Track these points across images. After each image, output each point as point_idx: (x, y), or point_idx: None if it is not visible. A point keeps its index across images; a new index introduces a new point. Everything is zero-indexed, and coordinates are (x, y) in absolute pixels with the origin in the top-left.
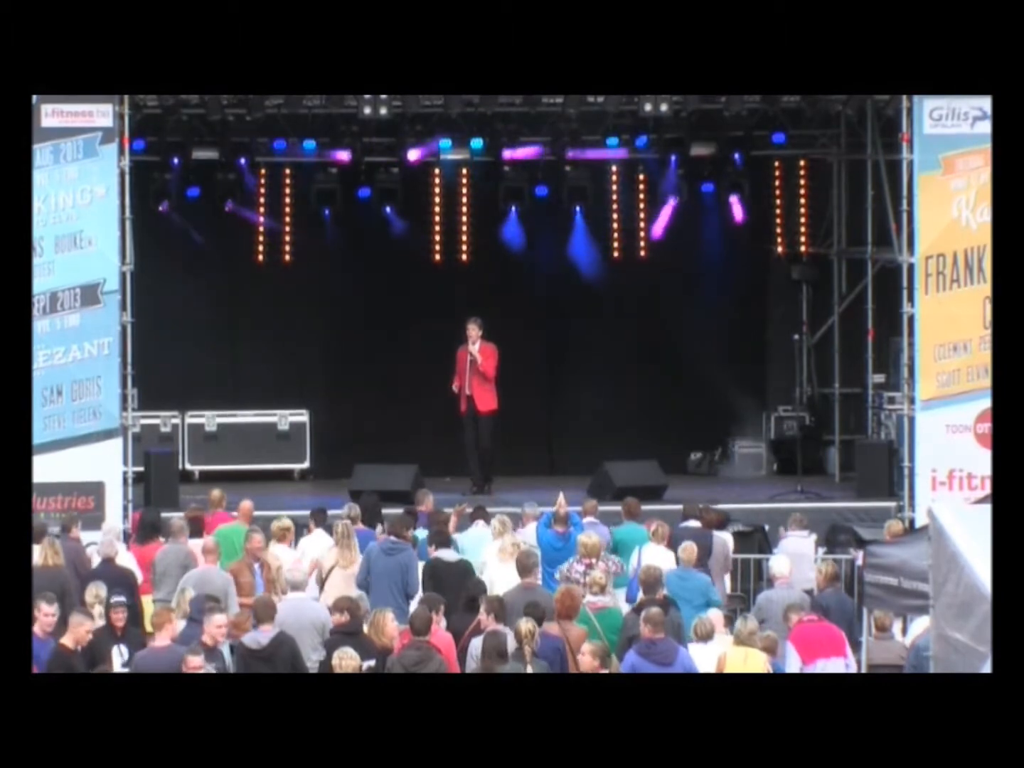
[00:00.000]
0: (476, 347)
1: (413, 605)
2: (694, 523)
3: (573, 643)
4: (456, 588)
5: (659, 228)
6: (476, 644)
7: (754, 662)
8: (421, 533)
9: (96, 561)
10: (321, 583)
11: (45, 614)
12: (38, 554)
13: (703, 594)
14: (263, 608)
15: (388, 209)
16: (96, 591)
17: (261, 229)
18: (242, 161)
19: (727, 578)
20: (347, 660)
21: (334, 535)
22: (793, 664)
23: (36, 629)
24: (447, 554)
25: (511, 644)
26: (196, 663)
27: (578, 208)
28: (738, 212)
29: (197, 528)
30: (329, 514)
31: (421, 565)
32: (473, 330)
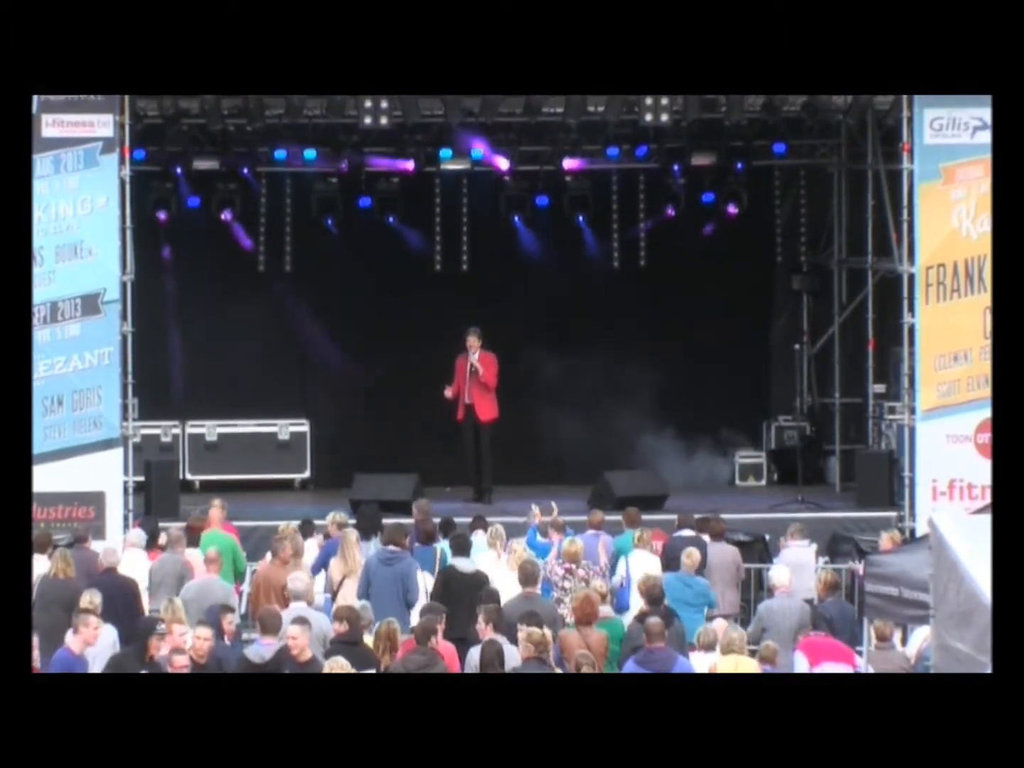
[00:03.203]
0: (476, 356)
1: (414, 613)
2: (688, 532)
3: (593, 648)
4: (468, 598)
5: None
6: (473, 653)
7: (745, 670)
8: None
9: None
10: (333, 594)
11: (95, 627)
12: (49, 565)
13: (704, 598)
14: (268, 620)
15: (389, 218)
16: (90, 598)
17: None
18: (245, 171)
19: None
20: (338, 670)
21: (339, 545)
22: (801, 668)
23: (76, 642)
24: (463, 563)
25: (524, 651)
26: (181, 662)
27: (579, 217)
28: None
29: (194, 539)
30: (317, 523)
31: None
32: (473, 340)
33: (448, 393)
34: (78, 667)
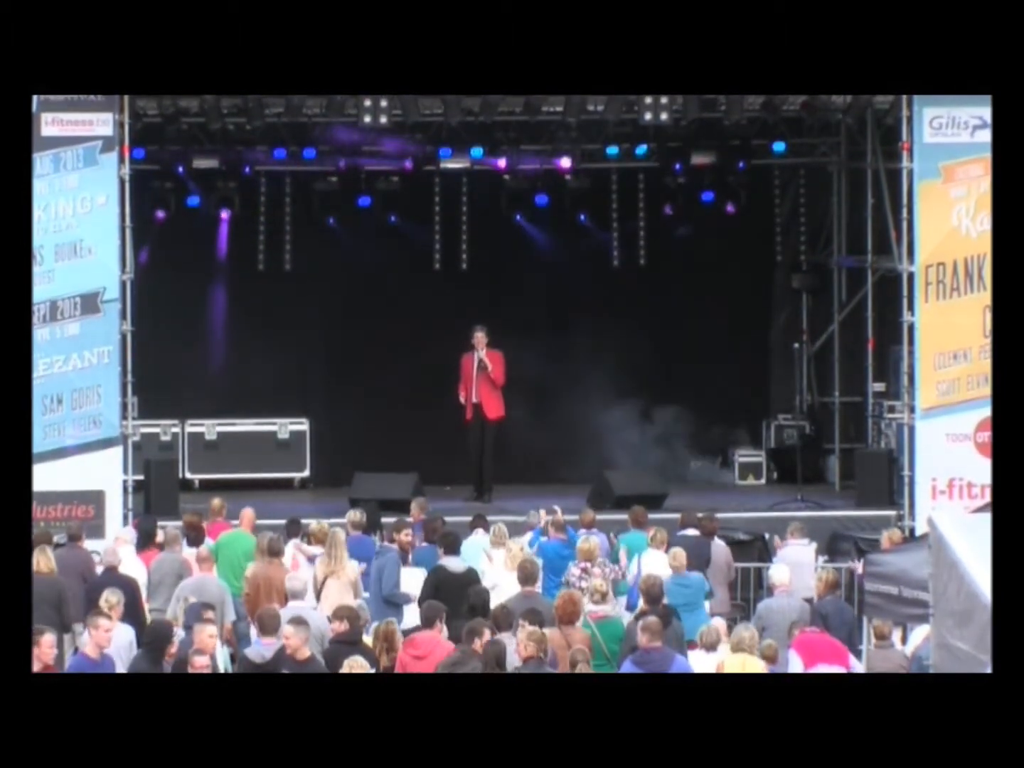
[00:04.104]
0: (483, 353)
1: (410, 611)
2: (692, 531)
3: (575, 647)
4: (460, 598)
5: None
6: None
7: (752, 669)
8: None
9: (100, 571)
10: (316, 593)
11: (106, 630)
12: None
13: (701, 594)
14: (267, 620)
15: (389, 217)
16: (108, 596)
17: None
18: (245, 170)
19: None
20: (358, 669)
21: (325, 545)
22: (795, 668)
23: (90, 646)
24: (453, 562)
25: (526, 650)
26: (202, 663)
27: (578, 216)
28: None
29: (199, 537)
30: (304, 523)
31: (421, 572)
32: (480, 337)
33: (462, 397)
34: (95, 671)
